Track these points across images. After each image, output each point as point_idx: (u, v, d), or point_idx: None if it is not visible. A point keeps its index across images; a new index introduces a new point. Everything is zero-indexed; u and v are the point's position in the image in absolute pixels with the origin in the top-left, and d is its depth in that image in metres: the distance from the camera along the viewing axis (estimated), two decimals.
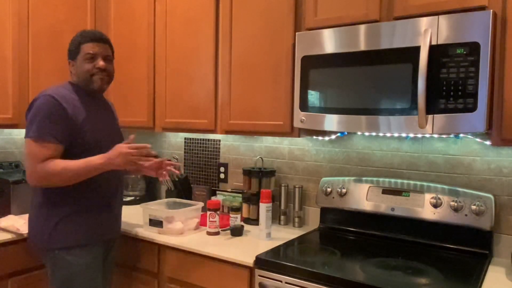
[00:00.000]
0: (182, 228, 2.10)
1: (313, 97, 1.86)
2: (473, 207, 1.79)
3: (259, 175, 2.33)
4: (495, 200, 1.80)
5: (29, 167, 1.72)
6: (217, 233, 2.10)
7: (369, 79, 1.70)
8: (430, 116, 1.57)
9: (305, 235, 2.13)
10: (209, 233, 2.10)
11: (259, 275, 1.73)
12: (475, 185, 1.89)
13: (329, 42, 1.81)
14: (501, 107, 1.54)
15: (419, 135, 2.00)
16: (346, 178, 2.15)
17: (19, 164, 2.60)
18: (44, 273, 2.02)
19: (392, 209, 1.98)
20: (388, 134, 2.05)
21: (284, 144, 2.42)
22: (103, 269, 1.93)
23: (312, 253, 1.86)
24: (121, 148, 1.72)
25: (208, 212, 2.09)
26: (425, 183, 1.95)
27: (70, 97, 1.80)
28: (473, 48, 1.49)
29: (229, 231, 2.11)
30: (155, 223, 2.13)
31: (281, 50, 2.02)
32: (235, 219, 2.16)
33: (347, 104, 1.77)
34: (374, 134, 2.09)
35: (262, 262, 1.74)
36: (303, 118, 1.89)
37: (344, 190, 2.11)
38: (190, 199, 2.66)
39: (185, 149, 2.85)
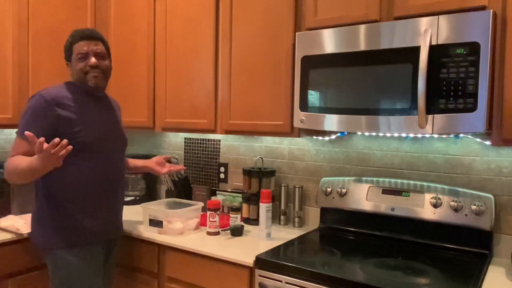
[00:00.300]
0: (182, 228, 2.10)
1: (313, 97, 1.86)
2: (473, 207, 1.79)
3: (259, 175, 2.33)
4: (495, 200, 1.80)
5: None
6: (217, 233, 2.10)
7: (369, 79, 1.70)
8: (430, 116, 1.57)
9: (305, 235, 2.13)
10: (209, 233, 2.10)
11: (259, 275, 1.73)
12: (475, 185, 1.89)
13: (329, 42, 1.81)
14: (501, 107, 1.54)
15: (419, 135, 2.00)
16: (346, 178, 2.15)
17: None
18: (44, 273, 2.02)
19: (392, 209, 1.98)
20: (388, 134, 2.05)
21: (284, 144, 2.42)
22: (104, 269, 1.94)
23: (312, 253, 1.86)
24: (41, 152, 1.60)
25: (208, 212, 2.09)
26: (425, 183, 1.95)
27: (64, 97, 1.80)
28: (473, 48, 1.49)
29: (229, 231, 2.11)
30: (155, 223, 2.13)
31: (281, 50, 2.02)
32: (235, 219, 2.16)
33: (347, 104, 1.77)
34: (374, 134, 2.09)
35: (262, 262, 1.74)
36: (303, 118, 1.89)
37: (344, 190, 2.12)
38: (190, 199, 2.66)
39: (185, 149, 2.85)
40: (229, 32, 2.19)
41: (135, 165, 2.22)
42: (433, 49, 1.55)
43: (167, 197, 2.70)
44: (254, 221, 2.29)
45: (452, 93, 1.53)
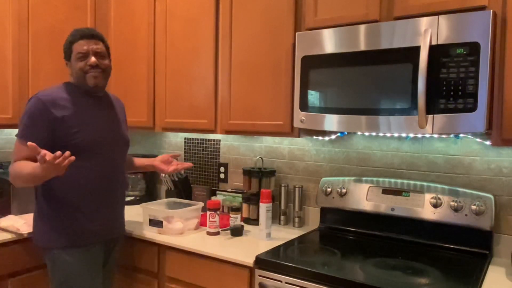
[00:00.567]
0: (182, 228, 2.10)
1: (313, 97, 1.86)
2: (473, 207, 1.79)
3: (259, 175, 2.33)
4: (495, 200, 1.80)
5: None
6: (217, 233, 2.10)
7: (369, 79, 1.70)
8: (430, 116, 1.57)
9: (305, 235, 2.13)
10: (209, 233, 2.10)
11: (259, 275, 1.73)
12: (475, 185, 1.89)
13: (329, 42, 1.81)
14: (501, 107, 1.54)
15: (419, 135, 2.00)
16: (346, 178, 2.15)
17: None
18: (44, 273, 2.02)
19: (392, 209, 1.98)
20: (388, 134, 2.05)
21: (284, 144, 2.42)
22: (104, 270, 1.93)
23: (312, 253, 1.86)
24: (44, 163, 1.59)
25: (208, 212, 2.09)
26: (425, 183, 1.95)
27: (62, 99, 1.79)
28: (473, 48, 1.49)
29: (229, 231, 2.11)
30: (155, 223, 2.13)
31: (281, 50, 2.02)
32: (235, 219, 2.16)
33: (347, 104, 1.77)
34: (374, 134, 2.09)
35: (262, 262, 1.74)
36: (303, 118, 1.89)
37: (344, 190, 2.12)
38: (190, 199, 2.66)
39: (185, 149, 2.85)
40: (229, 32, 2.19)
41: (141, 164, 2.21)
42: (433, 49, 1.55)
43: (167, 197, 2.70)
44: (254, 221, 2.29)
45: (452, 93, 1.53)
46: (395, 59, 1.64)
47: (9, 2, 2.32)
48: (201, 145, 2.77)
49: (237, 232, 2.10)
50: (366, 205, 2.05)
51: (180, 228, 2.09)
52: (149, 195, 2.86)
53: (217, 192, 2.60)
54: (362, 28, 1.72)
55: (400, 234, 1.98)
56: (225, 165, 2.65)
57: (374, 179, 2.08)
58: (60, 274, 1.80)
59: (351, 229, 2.12)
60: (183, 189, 2.67)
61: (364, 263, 1.70)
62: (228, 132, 2.24)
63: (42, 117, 1.73)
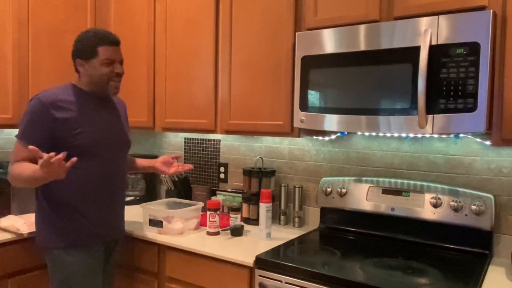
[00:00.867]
0: (182, 228, 2.10)
1: (313, 97, 1.86)
2: (473, 207, 1.79)
3: (259, 175, 2.33)
4: (495, 200, 1.80)
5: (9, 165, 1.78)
6: (217, 233, 2.10)
7: (369, 79, 1.70)
8: (430, 116, 1.57)
9: (305, 235, 2.13)
10: (209, 233, 2.10)
11: (259, 275, 1.73)
12: (475, 185, 1.89)
13: (329, 42, 1.81)
14: (501, 107, 1.54)
15: (419, 135, 2.00)
16: (346, 178, 2.15)
17: None
18: (44, 273, 2.03)
19: (392, 209, 1.98)
20: (388, 134, 2.05)
21: (284, 144, 2.42)
22: (105, 270, 1.93)
23: (312, 253, 1.86)
24: (45, 165, 1.58)
25: (208, 212, 2.09)
26: (425, 183, 1.95)
27: (64, 100, 1.78)
28: (473, 48, 1.49)
29: (229, 231, 2.11)
30: (155, 223, 2.13)
31: (281, 50, 2.02)
32: (235, 219, 2.16)
33: (347, 104, 1.77)
34: (374, 134, 2.09)
35: (262, 262, 1.74)
36: (303, 118, 1.89)
37: (344, 190, 2.12)
38: (190, 199, 2.66)
39: (185, 149, 2.85)
40: (229, 32, 2.19)
41: (142, 165, 2.20)
42: (433, 49, 1.55)
43: (167, 197, 2.70)
44: (254, 221, 2.29)
45: (452, 93, 1.53)
46: (395, 59, 1.64)
47: (9, 2, 2.32)
48: (201, 145, 2.77)
49: (237, 232, 2.10)
50: (366, 205, 2.05)
51: (180, 228, 2.09)
52: (149, 195, 2.86)
53: (217, 192, 2.60)
54: (362, 28, 1.72)
55: (400, 234, 1.98)
56: (225, 165, 2.65)
57: (374, 179, 2.08)
58: (61, 274, 1.80)
59: (351, 229, 2.12)
60: (183, 189, 2.67)
61: (364, 263, 1.70)
62: (228, 132, 2.24)
63: (42, 118, 1.73)
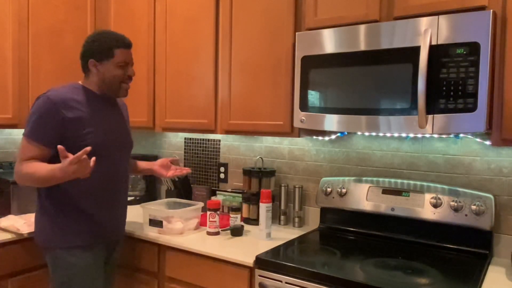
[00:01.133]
0: (182, 228, 2.10)
1: (313, 97, 1.86)
2: (473, 207, 1.79)
3: (259, 175, 2.33)
4: (495, 200, 1.80)
5: (16, 163, 1.76)
6: (217, 233, 2.10)
7: (369, 79, 1.70)
8: (430, 116, 1.57)
9: (305, 235, 2.13)
10: (209, 233, 2.10)
11: (259, 275, 1.73)
12: (475, 185, 1.89)
13: (329, 42, 1.81)
14: (501, 107, 1.54)
15: (419, 135, 2.00)
16: (346, 178, 2.15)
17: None
18: (44, 273, 2.03)
19: (392, 209, 1.98)
20: (388, 134, 2.05)
21: (284, 144, 2.42)
22: (105, 270, 1.93)
23: (312, 253, 1.86)
24: (70, 165, 1.60)
25: (208, 212, 2.09)
26: (425, 183, 1.95)
27: (73, 100, 1.78)
28: (473, 48, 1.49)
29: (229, 231, 2.11)
30: (155, 223, 2.13)
31: (281, 50, 2.02)
32: (235, 219, 2.16)
33: (347, 104, 1.77)
34: (374, 134, 2.09)
35: (262, 262, 1.74)
36: (303, 118, 1.89)
37: (344, 190, 2.12)
38: (190, 199, 2.66)
39: (185, 149, 2.85)
40: (229, 32, 2.19)
41: (141, 167, 2.20)
42: (433, 49, 1.55)
43: (167, 197, 2.70)
44: (254, 221, 2.29)
45: (452, 93, 1.53)
46: (395, 59, 1.64)
47: (9, 2, 2.32)
48: (201, 145, 2.77)
49: (237, 232, 2.10)
50: (366, 205, 2.05)
51: (180, 228, 2.09)
52: (149, 195, 2.86)
53: (217, 192, 2.60)
54: (362, 28, 1.72)
55: (400, 234, 1.98)
56: (225, 165, 2.65)
57: (374, 179, 2.08)
58: (63, 274, 1.79)
59: (351, 229, 2.12)
60: (183, 189, 2.67)
61: (364, 263, 1.70)
62: (228, 132, 2.24)
63: (52, 117, 1.72)
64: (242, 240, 2.05)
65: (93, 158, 1.60)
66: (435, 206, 1.88)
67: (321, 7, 1.89)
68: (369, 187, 2.07)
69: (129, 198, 2.75)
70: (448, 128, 1.54)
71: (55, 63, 2.50)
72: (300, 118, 1.90)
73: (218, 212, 2.10)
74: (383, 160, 2.12)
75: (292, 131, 2.02)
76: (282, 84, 2.03)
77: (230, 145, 2.64)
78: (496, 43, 1.53)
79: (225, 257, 1.83)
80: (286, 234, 2.14)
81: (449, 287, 1.50)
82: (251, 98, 2.14)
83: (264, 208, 2.01)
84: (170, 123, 2.45)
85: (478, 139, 1.87)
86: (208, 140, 2.73)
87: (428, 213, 1.89)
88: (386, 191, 2.02)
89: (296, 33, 1.91)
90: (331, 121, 1.81)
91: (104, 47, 1.80)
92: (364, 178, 2.11)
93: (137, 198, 2.80)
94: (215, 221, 2.09)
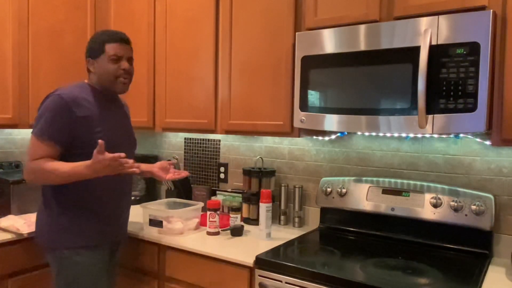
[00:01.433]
0: (182, 228, 2.10)
1: (313, 97, 1.86)
2: (473, 207, 1.79)
3: (259, 175, 2.33)
4: (495, 200, 1.80)
5: (26, 161, 1.75)
6: (217, 233, 2.10)
7: (369, 79, 1.70)
8: (430, 116, 1.57)
9: (305, 235, 2.13)
10: (209, 233, 2.10)
11: (259, 275, 1.73)
12: (475, 185, 1.89)
13: (329, 42, 1.81)
14: (501, 107, 1.54)
15: (419, 135, 2.00)
16: (346, 178, 2.15)
17: (19, 164, 2.60)
18: (44, 273, 2.03)
19: (392, 209, 1.98)
20: (388, 134, 2.05)
21: (284, 144, 2.42)
22: (108, 271, 1.93)
23: (312, 253, 1.86)
24: (104, 161, 1.64)
25: (208, 212, 2.09)
26: (425, 183, 1.95)
27: (83, 98, 1.78)
28: (473, 48, 1.49)
29: (229, 231, 2.11)
30: (155, 223, 2.13)
31: (281, 50, 2.02)
32: (235, 219, 2.16)
33: (347, 104, 1.77)
34: (374, 134, 2.09)
35: (262, 262, 1.74)
36: (303, 118, 1.89)
37: (344, 190, 2.11)
38: (190, 199, 2.66)
39: (185, 149, 2.85)
40: (229, 32, 2.19)
41: (141, 169, 2.20)
42: (433, 49, 1.55)
43: (167, 197, 2.70)
44: (254, 221, 2.29)
45: (452, 93, 1.53)
46: (395, 59, 1.64)
47: (9, 2, 2.32)
48: (201, 145, 2.77)
49: (237, 232, 2.10)
50: (366, 205, 2.05)
51: (180, 228, 2.09)
52: (149, 195, 2.86)
53: (217, 192, 2.60)
54: (362, 28, 1.72)
55: (400, 234, 1.98)
56: (225, 165, 2.65)
57: (374, 179, 2.08)
58: (67, 274, 1.79)
59: (351, 229, 2.12)
60: (183, 189, 2.67)
61: (364, 263, 1.70)
62: (228, 132, 2.24)
63: (65, 116, 1.72)
64: (242, 240, 2.05)
65: (123, 154, 1.62)
66: (435, 206, 1.88)
67: (321, 7, 1.89)
68: (369, 187, 2.07)
69: None
70: (448, 128, 1.54)
71: (55, 63, 2.50)
72: (300, 118, 1.90)
73: (218, 212, 2.10)
74: (383, 160, 2.12)
75: (292, 131, 2.02)
76: (282, 84, 2.03)
77: (230, 145, 2.64)
78: (496, 43, 1.53)
79: (225, 257, 1.83)
80: (286, 234, 2.14)
81: (449, 287, 1.50)
82: (251, 98, 2.14)
83: (264, 208, 2.01)
84: (170, 123, 2.45)
85: (478, 139, 1.87)
86: (208, 140, 2.73)
87: (428, 213, 1.89)
88: (386, 191, 2.02)
89: (296, 33, 1.91)
90: (331, 121, 1.81)
91: (96, 44, 1.82)
92: (364, 178, 2.11)
93: (137, 198, 2.79)
94: (215, 221, 2.09)
